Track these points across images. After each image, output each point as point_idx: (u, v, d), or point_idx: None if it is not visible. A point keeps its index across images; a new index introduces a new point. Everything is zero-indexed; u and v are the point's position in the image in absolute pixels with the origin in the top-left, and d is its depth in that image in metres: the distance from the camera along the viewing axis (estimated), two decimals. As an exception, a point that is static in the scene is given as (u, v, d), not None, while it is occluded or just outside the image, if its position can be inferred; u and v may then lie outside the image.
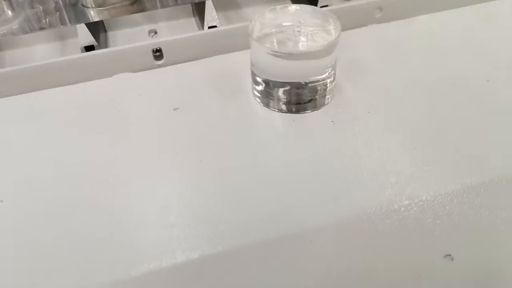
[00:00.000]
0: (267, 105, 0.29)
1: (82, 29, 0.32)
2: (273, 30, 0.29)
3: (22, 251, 0.22)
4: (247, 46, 0.33)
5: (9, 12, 0.30)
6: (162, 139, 0.27)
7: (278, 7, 0.29)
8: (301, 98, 0.28)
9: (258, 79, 0.28)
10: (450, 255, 0.21)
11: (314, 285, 0.21)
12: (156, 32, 0.38)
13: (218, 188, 0.24)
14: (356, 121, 0.27)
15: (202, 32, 0.33)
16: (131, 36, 0.37)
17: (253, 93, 0.30)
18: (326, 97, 0.28)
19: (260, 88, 0.28)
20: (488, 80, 0.30)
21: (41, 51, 0.36)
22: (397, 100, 0.29)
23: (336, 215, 0.23)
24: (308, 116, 0.28)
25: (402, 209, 0.23)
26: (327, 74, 0.27)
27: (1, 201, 0.24)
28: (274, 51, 0.26)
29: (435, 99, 0.29)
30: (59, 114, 0.30)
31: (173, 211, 0.23)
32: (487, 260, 0.22)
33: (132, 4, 0.32)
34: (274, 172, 0.25)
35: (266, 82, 0.28)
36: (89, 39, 0.32)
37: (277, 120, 0.28)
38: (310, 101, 0.28)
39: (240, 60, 0.33)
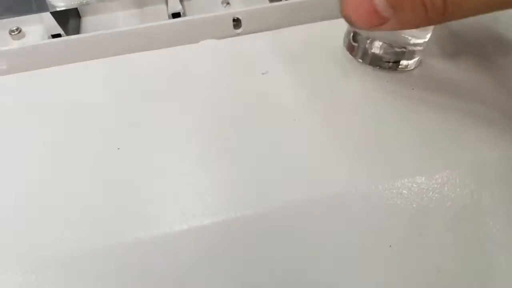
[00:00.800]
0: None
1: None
2: None
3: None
4: (322, 18, 0.36)
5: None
6: (250, 102, 0.30)
7: None
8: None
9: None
10: None
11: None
12: (228, 3, 0.40)
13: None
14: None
15: (276, 4, 0.36)
16: (205, 6, 0.40)
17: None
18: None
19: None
20: None
21: (122, 18, 0.39)
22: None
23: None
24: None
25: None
26: None
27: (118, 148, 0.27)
28: None
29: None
30: (147, 77, 0.32)
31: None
32: None
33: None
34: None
35: None
36: (178, 6, 0.35)
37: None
38: None
39: (314, 32, 0.36)
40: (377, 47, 0.30)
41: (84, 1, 0.33)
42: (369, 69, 0.31)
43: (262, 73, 0.32)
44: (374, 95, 0.30)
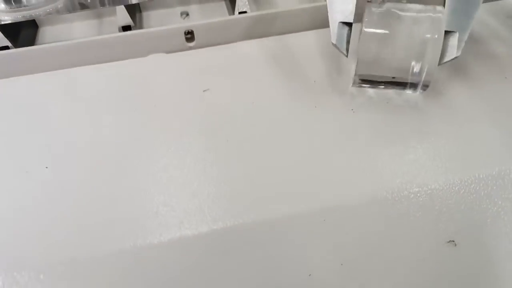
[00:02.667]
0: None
1: (121, 10, 0.34)
2: None
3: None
4: (276, 32, 0.35)
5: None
6: (191, 119, 0.29)
7: None
8: None
9: None
10: (453, 241, 0.23)
11: (322, 261, 0.23)
12: (187, 14, 0.40)
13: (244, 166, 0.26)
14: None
15: (232, 17, 0.35)
16: (164, 17, 0.39)
17: None
18: None
19: None
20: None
21: (79, 28, 0.39)
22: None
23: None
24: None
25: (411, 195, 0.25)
26: None
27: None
28: None
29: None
30: (94, 90, 0.32)
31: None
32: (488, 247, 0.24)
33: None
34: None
35: None
36: (127, 20, 0.34)
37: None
38: None
39: (268, 46, 0.35)
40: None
41: (30, 15, 0.32)
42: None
43: (204, 90, 0.31)
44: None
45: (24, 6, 0.32)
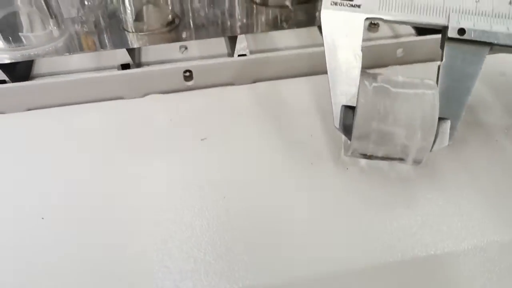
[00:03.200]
0: None
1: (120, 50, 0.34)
2: None
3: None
4: (274, 77, 0.36)
5: (57, 31, 0.32)
6: (186, 169, 0.30)
7: None
8: None
9: None
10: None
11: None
12: (186, 48, 0.40)
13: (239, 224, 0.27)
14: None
15: (231, 59, 0.35)
16: (162, 51, 0.39)
17: None
18: None
19: None
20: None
21: (76, 59, 0.38)
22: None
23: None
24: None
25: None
26: None
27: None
28: None
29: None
30: (89, 131, 0.32)
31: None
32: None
33: (169, 31, 0.34)
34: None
35: None
36: (126, 58, 0.35)
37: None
38: None
39: (266, 91, 0.35)
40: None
41: (28, 55, 0.32)
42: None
43: (201, 139, 0.31)
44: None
45: (23, 45, 0.32)
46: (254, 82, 0.36)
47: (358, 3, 0.25)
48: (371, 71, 0.26)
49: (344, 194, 0.28)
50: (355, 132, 0.25)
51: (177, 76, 0.35)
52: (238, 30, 0.36)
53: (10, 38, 0.31)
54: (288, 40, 0.38)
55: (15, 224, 0.27)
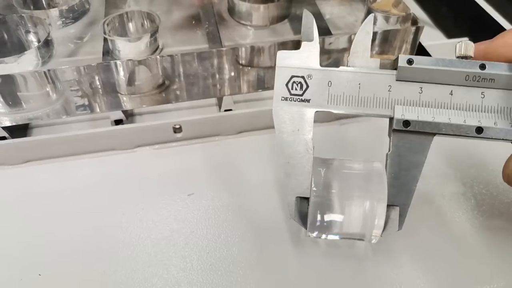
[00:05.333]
0: None
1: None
2: None
3: None
4: (259, 127, 0.38)
5: (54, 95, 0.34)
6: (173, 224, 0.32)
7: None
8: None
9: None
10: None
11: None
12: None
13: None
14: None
15: (218, 114, 0.38)
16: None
17: None
18: None
19: None
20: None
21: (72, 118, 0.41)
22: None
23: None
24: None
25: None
26: None
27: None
28: None
29: None
30: (82, 183, 0.34)
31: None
32: None
33: (160, 92, 0.36)
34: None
35: None
36: (120, 115, 0.37)
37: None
38: None
39: (250, 142, 0.38)
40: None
41: (28, 118, 0.35)
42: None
43: (188, 195, 0.34)
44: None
45: (23, 109, 0.34)
46: (239, 133, 0.39)
47: (307, 98, 0.26)
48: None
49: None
50: (310, 222, 0.26)
51: (167, 130, 0.37)
52: (226, 91, 0.38)
53: (10, 102, 0.33)
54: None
55: (11, 279, 0.29)
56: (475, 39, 0.27)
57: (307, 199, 0.26)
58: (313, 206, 0.25)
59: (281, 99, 0.26)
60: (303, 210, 0.26)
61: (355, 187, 0.26)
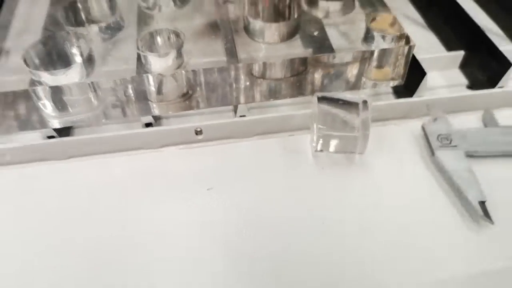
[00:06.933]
0: None
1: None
2: None
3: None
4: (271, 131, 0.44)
5: (95, 102, 0.40)
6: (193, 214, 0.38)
7: None
8: None
9: None
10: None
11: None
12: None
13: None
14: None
15: (233, 119, 0.44)
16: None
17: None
18: None
19: None
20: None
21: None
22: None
23: None
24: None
25: None
26: None
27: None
28: None
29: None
30: (117, 176, 0.41)
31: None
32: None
33: (184, 100, 0.42)
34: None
35: None
36: (150, 119, 0.43)
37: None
38: None
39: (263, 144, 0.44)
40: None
41: (73, 121, 0.41)
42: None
43: (208, 189, 0.40)
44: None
45: (69, 113, 0.41)
46: (253, 136, 0.45)
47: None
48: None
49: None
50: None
51: (190, 132, 0.43)
52: (241, 99, 0.44)
53: (59, 108, 0.40)
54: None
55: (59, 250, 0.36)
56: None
57: None
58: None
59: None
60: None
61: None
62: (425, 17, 0.60)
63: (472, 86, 0.50)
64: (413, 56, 0.45)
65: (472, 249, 0.35)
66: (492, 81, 0.47)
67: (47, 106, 0.40)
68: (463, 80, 0.51)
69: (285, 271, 0.34)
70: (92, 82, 0.39)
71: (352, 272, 0.34)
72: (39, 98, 0.39)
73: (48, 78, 0.39)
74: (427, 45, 0.54)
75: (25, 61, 0.39)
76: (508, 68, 0.45)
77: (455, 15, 0.54)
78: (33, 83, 0.39)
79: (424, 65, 0.46)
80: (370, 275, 0.34)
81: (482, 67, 0.49)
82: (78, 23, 0.47)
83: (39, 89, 0.38)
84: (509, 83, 0.47)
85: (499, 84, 0.46)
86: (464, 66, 0.51)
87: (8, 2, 0.50)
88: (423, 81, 0.44)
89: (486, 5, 0.60)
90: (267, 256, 0.35)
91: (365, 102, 0.39)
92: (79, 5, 0.47)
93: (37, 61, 0.41)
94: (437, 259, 0.34)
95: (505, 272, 0.34)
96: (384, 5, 0.46)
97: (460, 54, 0.51)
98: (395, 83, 0.45)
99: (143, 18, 0.47)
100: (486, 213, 0.36)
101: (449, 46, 0.54)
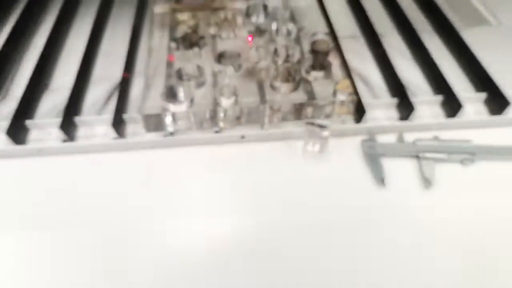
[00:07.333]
0: None
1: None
2: None
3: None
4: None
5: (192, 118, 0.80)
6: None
7: None
8: None
9: None
10: None
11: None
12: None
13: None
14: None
15: (261, 131, 0.82)
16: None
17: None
18: None
19: None
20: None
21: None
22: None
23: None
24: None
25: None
26: None
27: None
28: None
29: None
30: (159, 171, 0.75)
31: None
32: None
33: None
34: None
35: None
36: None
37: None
38: None
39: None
40: None
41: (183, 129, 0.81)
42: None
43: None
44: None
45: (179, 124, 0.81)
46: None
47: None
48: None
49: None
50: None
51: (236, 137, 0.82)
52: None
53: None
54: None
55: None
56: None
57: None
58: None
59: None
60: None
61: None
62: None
63: (401, 119, 0.86)
64: (360, 101, 0.82)
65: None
66: (406, 117, 0.84)
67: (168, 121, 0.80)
68: (396, 114, 0.87)
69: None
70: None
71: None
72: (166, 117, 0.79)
73: (172, 107, 0.78)
74: (380, 92, 0.91)
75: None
76: (412, 111, 0.82)
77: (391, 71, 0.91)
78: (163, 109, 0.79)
79: (368, 106, 0.83)
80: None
81: (404, 108, 0.86)
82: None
83: (168, 114, 0.78)
84: (416, 120, 0.83)
85: (409, 119, 0.83)
86: (398, 107, 0.88)
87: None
88: (363, 116, 0.82)
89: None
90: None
91: (326, 126, 0.68)
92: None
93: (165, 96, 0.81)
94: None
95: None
96: (346, 75, 0.84)
97: (394, 100, 0.88)
98: (349, 116, 0.83)
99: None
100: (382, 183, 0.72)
101: (391, 93, 0.91)
